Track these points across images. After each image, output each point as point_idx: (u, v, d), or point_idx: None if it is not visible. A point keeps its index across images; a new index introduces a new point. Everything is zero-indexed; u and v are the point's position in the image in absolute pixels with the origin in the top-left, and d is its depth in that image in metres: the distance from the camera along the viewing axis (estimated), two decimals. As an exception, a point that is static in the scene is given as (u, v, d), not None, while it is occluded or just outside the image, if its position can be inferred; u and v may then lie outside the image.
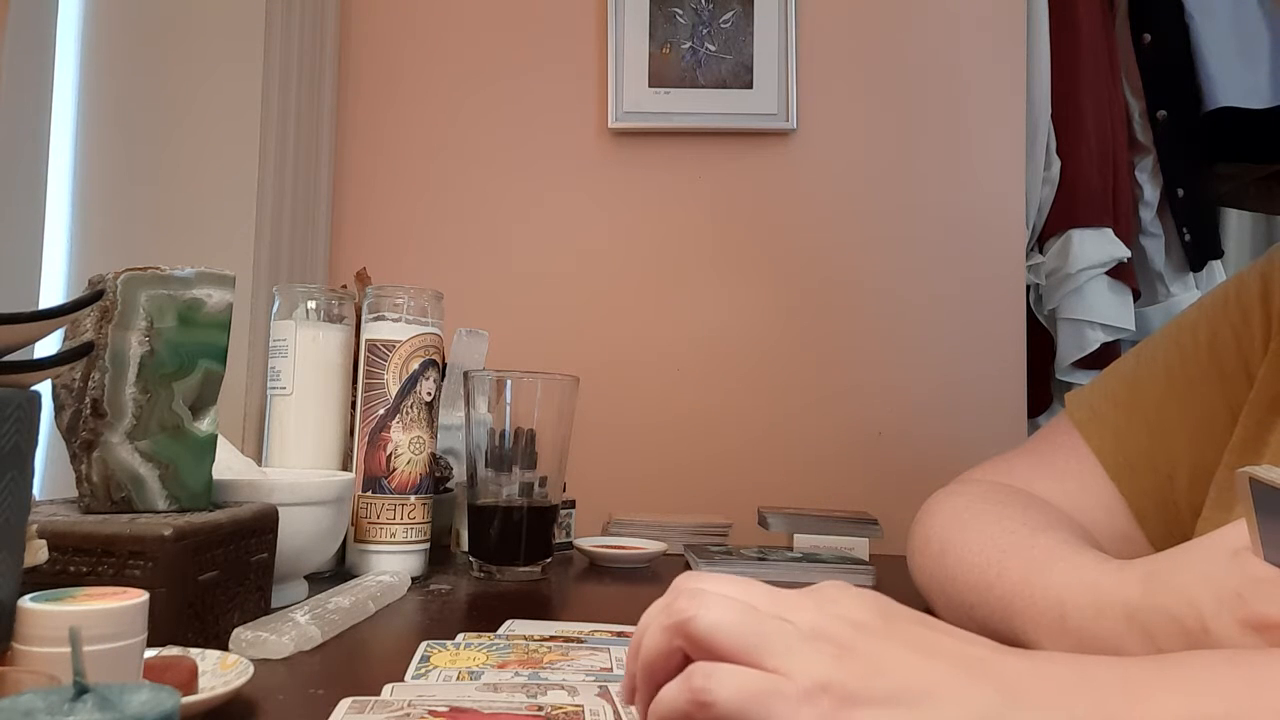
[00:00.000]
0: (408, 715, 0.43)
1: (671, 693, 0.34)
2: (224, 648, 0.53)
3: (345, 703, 0.44)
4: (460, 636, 0.59)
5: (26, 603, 0.38)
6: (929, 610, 0.69)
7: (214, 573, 0.55)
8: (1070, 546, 0.54)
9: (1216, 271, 1.49)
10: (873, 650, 0.34)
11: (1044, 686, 0.33)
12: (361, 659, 0.57)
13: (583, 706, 0.45)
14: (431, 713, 0.43)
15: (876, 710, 0.32)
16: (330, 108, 1.36)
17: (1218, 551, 0.43)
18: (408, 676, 0.51)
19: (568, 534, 1.02)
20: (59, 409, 0.59)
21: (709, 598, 0.35)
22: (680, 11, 1.38)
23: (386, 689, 0.47)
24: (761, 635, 0.34)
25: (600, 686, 0.49)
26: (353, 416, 0.86)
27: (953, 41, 1.38)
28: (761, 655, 0.33)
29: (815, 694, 0.32)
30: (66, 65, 1.03)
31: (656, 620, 0.37)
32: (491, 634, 0.61)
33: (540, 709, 0.44)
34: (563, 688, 0.48)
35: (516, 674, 0.51)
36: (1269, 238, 1.84)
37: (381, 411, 0.83)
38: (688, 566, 0.93)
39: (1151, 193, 1.46)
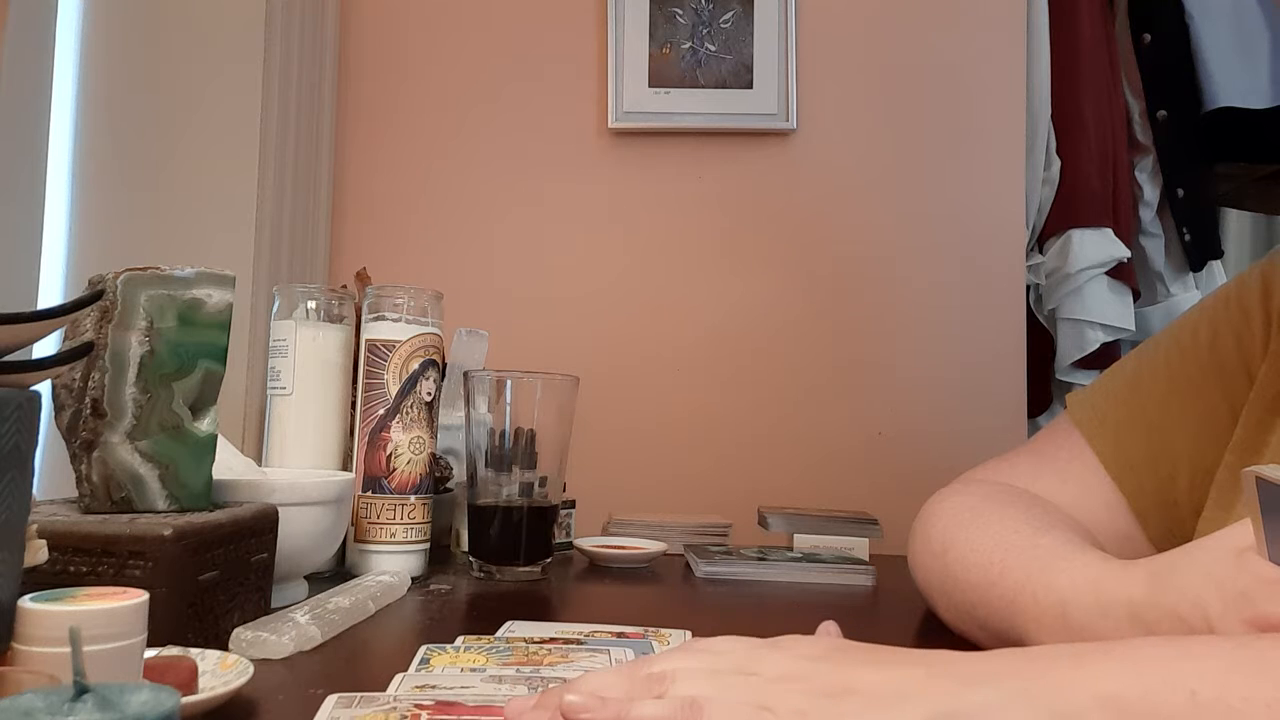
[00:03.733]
0: (394, 708, 0.43)
1: (655, 707, 0.36)
2: (224, 648, 0.53)
3: (331, 699, 0.44)
4: (460, 640, 0.59)
5: (26, 603, 0.38)
6: (930, 611, 0.69)
7: (214, 573, 0.55)
8: (1073, 546, 0.54)
9: (1216, 271, 1.49)
10: (838, 676, 0.36)
11: (998, 668, 0.36)
12: (361, 659, 0.57)
13: None
14: (418, 705, 0.43)
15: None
16: (330, 108, 1.35)
17: (1223, 551, 0.43)
18: (407, 678, 0.51)
19: (568, 534, 1.01)
20: (59, 409, 0.59)
21: (682, 660, 0.39)
22: (680, 11, 1.38)
23: (391, 687, 0.47)
24: (740, 689, 0.37)
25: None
26: (353, 416, 0.86)
27: (953, 41, 1.38)
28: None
29: (796, 718, 0.35)
30: (66, 65, 1.02)
31: (626, 672, 0.40)
32: (491, 636, 0.61)
33: None
34: (564, 681, 0.48)
35: (519, 670, 0.51)
36: (1269, 238, 1.84)
37: (381, 411, 0.83)
38: (688, 566, 0.93)
39: (1151, 193, 1.46)
